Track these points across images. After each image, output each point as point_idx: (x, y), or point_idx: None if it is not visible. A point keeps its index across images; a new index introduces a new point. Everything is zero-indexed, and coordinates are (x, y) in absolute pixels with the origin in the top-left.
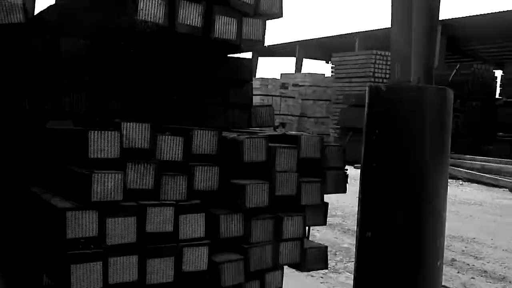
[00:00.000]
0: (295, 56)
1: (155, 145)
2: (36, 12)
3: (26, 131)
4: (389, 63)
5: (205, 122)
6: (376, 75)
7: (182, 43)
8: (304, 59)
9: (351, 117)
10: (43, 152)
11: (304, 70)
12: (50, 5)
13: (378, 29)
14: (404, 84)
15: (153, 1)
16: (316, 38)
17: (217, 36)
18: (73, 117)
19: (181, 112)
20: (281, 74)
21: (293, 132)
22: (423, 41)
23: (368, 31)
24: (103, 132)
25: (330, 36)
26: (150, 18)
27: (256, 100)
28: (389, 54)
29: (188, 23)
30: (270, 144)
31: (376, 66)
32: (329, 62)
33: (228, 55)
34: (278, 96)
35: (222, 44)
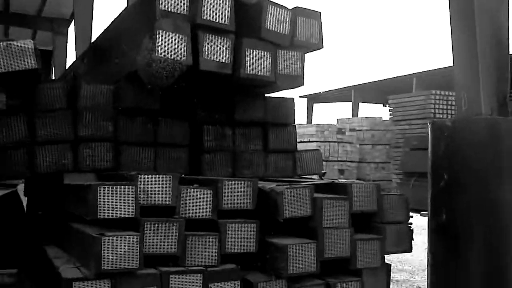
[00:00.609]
0: (350, 101)
1: (179, 201)
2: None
3: (43, 186)
4: (450, 102)
5: (241, 171)
6: (437, 116)
7: (210, 82)
8: (360, 103)
9: (413, 160)
10: (59, 208)
11: (361, 114)
12: (75, 60)
13: (436, 69)
14: (475, 117)
15: (173, 36)
16: (371, 82)
17: (248, 72)
18: (96, 170)
19: (213, 160)
20: (337, 119)
21: (343, 180)
22: (494, 71)
23: (426, 71)
24: (115, 187)
25: (386, 79)
26: (170, 55)
27: (312, 147)
28: (450, 94)
29: (214, 59)
30: (315, 195)
31: (437, 106)
32: (386, 105)
33: (266, 95)
34: (335, 142)
35: (255, 81)
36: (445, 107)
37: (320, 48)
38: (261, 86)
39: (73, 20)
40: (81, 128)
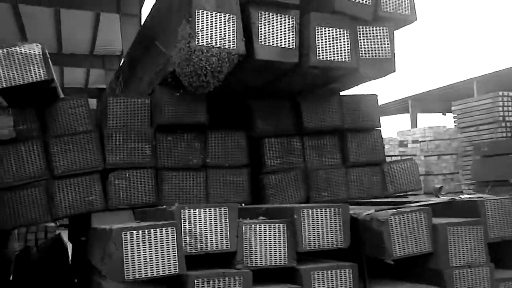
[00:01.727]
0: (407, 113)
1: (240, 243)
2: None
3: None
4: None
5: (317, 193)
6: (507, 119)
7: (268, 78)
8: (418, 114)
9: (486, 168)
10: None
11: (420, 125)
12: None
13: (499, 70)
14: None
15: (217, 17)
16: (429, 91)
17: (321, 58)
18: (132, 206)
19: (279, 182)
20: (397, 132)
21: (468, 196)
22: None
23: (487, 74)
24: (148, 231)
25: (444, 86)
26: (215, 42)
27: None
28: None
29: (273, 44)
30: (434, 221)
31: (505, 109)
32: (446, 113)
33: (341, 93)
34: (397, 155)
35: (330, 71)
36: None
37: (413, 21)
38: (337, 78)
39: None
40: (111, 154)
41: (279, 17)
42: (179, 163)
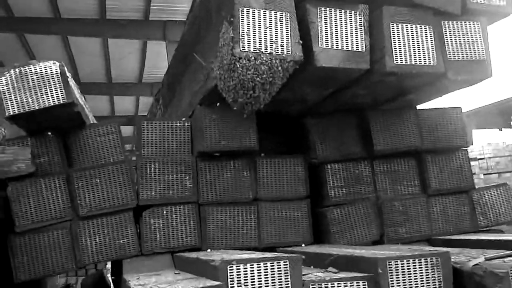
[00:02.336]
0: None
1: None
2: None
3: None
4: None
5: (393, 230)
6: None
7: (329, 90)
8: (473, 130)
9: None
10: None
11: (475, 142)
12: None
13: None
14: None
15: (266, 16)
16: (485, 105)
17: (398, 61)
18: (172, 250)
19: (345, 217)
20: None
21: None
22: None
23: None
24: None
25: (501, 100)
26: (265, 47)
27: None
28: None
29: (337, 47)
30: None
31: None
32: (502, 128)
33: (417, 105)
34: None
35: (410, 78)
36: None
37: (509, 14)
38: (418, 87)
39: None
40: (145, 188)
41: (343, 14)
42: (225, 196)
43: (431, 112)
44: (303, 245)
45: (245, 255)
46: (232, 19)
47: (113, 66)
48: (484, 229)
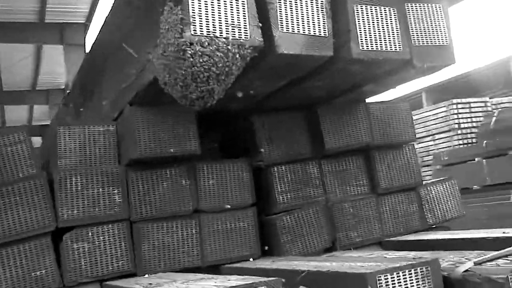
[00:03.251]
0: None
1: None
2: None
3: None
4: (473, 110)
5: (346, 234)
6: (462, 126)
7: (286, 82)
8: None
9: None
10: None
11: None
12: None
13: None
14: None
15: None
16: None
17: (364, 47)
18: (98, 279)
19: (295, 224)
20: None
21: None
22: None
23: (434, 84)
24: None
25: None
26: (220, 31)
27: None
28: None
29: (299, 31)
30: None
31: (460, 116)
32: None
33: (366, 98)
34: None
35: (375, 66)
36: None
37: None
38: (380, 76)
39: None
40: (65, 206)
41: None
42: (161, 210)
43: (380, 106)
44: (251, 259)
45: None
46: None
47: (4, 72)
48: (432, 226)
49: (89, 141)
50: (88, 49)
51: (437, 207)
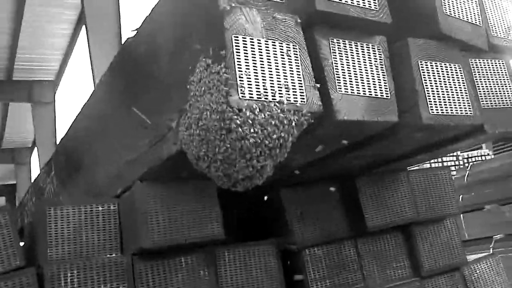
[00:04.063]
0: None
1: None
2: None
3: None
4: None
5: None
6: None
7: (337, 146)
8: None
9: None
10: None
11: None
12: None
13: None
14: None
15: (269, 50)
16: None
17: (434, 112)
18: None
19: None
20: None
21: None
22: None
23: None
24: None
25: None
26: (271, 93)
27: None
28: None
29: (358, 93)
30: None
31: None
32: None
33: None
34: None
35: (442, 133)
36: None
37: None
38: (445, 143)
39: (36, 147)
40: None
41: (360, 48)
42: None
43: (421, 174)
44: None
45: None
46: (222, 52)
47: None
48: None
49: (85, 224)
50: (64, 107)
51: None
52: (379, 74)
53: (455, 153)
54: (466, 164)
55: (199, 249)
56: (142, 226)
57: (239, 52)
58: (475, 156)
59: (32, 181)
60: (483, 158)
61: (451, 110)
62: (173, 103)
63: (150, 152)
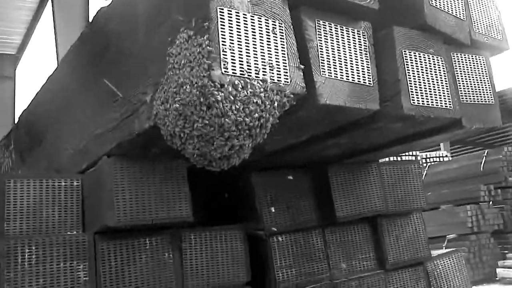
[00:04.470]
0: None
1: None
2: None
3: None
4: None
5: None
6: None
7: (314, 132)
8: None
9: None
10: None
11: None
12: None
13: None
14: None
15: (255, 26)
16: None
17: (415, 102)
18: None
19: None
20: None
21: None
22: None
23: None
24: None
25: None
26: (255, 70)
27: None
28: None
29: (341, 78)
30: None
31: None
32: None
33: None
34: None
35: (420, 125)
36: None
37: (505, 50)
38: (420, 135)
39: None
40: (20, 286)
41: (345, 32)
42: None
43: (392, 167)
44: None
45: None
46: (206, 23)
47: None
48: None
49: (46, 199)
50: (24, 83)
51: (445, 284)
52: (363, 60)
53: (413, 153)
54: (424, 164)
55: (164, 230)
56: (107, 203)
57: (224, 25)
58: (433, 157)
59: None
60: (441, 159)
61: (432, 102)
62: (148, 76)
63: (120, 127)
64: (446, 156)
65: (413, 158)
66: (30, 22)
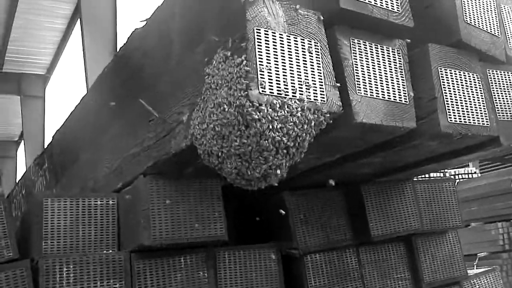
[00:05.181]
0: None
1: None
2: None
3: None
4: None
5: None
6: None
7: (350, 150)
8: None
9: None
10: None
11: None
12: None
13: None
14: None
15: (291, 46)
16: None
17: (452, 120)
18: None
19: None
20: None
21: None
22: None
23: None
24: None
25: None
26: (292, 90)
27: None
28: None
29: (377, 96)
30: None
31: None
32: None
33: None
34: None
35: (457, 143)
36: None
37: None
38: (456, 153)
39: (23, 141)
40: None
41: (380, 51)
42: None
43: (426, 185)
44: None
45: None
46: (243, 44)
47: None
48: None
49: (83, 218)
50: (54, 102)
51: None
52: (398, 78)
53: (442, 170)
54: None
55: (199, 249)
56: (143, 222)
57: (261, 45)
58: (462, 174)
59: (22, 174)
60: (470, 176)
61: (469, 119)
62: (184, 96)
63: (155, 146)
64: (475, 172)
65: (442, 175)
66: (59, 42)
